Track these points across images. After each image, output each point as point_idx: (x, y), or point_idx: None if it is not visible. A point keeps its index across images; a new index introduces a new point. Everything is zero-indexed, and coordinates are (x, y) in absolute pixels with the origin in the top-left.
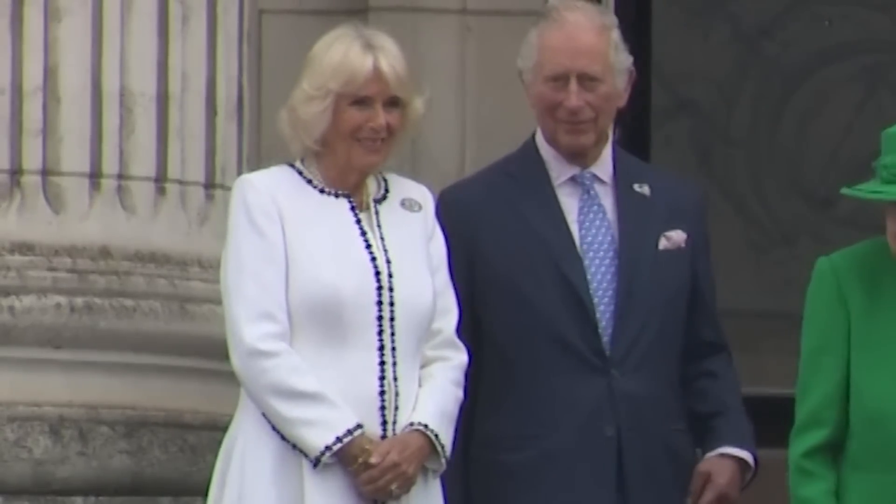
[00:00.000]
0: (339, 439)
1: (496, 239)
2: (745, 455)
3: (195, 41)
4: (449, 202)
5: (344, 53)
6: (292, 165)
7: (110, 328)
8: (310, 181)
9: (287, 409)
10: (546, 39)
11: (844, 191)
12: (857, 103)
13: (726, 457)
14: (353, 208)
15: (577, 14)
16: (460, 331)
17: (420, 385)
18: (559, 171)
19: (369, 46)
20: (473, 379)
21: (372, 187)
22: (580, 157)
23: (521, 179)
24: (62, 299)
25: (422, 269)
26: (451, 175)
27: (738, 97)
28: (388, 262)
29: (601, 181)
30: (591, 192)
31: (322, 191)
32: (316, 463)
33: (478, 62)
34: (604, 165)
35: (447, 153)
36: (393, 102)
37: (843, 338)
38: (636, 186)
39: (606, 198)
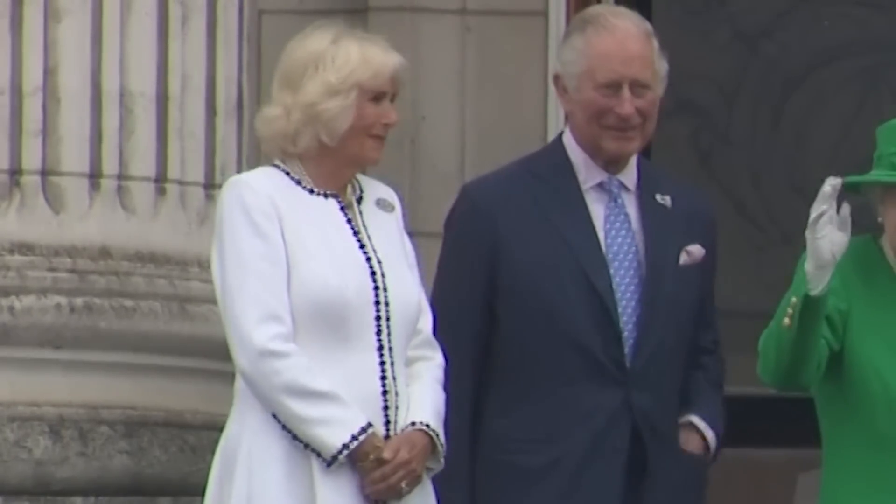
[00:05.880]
0: (354, 437)
1: (521, 240)
2: (710, 435)
3: (195, 41)
4: (472, 199)
5: (362, 49)
6: (277, 166)
7: (110, 328)
8: (298, 182)
9: (302, 409)
10: (597, 46)
11: (850, 179)
12: (856, 103)
13: (692, 430)
14: (342, 208)
15: (626, 21)
16: (467, 333)
17: (407, 384)
18: (587, 175)
19: (378, 43)
20: (485, 380)
21: (349, 188)
22: (616, 164)
23: (549, 181)
24: (62, 299)
25: (406, 268)
26: (451, 175)
27: (737, 97)
28: (380, 261)
29: (626, 189)
30: (619, 201)
31: (311, 191)
32: (331, 462)
33: (478, 62)
34: (630, 174)
35: (447, 153)
36: (393, 99)
37: (846, 305)
38: (658, 197)
39: (631, 206)
